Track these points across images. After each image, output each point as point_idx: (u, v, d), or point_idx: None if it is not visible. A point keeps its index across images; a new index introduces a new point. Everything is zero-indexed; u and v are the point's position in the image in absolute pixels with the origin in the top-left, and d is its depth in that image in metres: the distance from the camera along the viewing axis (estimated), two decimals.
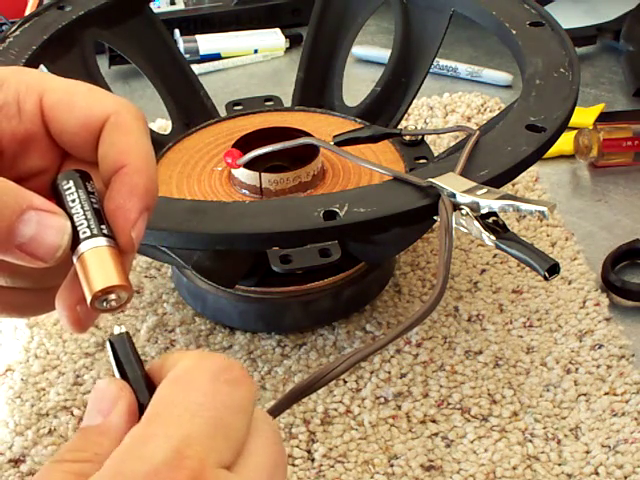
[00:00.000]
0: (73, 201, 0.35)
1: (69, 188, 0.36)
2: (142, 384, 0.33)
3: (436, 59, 0.77)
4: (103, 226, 0.35)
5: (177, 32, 1.02)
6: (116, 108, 0.37)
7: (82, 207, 0.35)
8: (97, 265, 0.34)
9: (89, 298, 0.33)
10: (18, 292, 0.38)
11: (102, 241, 0.34)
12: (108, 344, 0.34)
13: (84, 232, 0.34)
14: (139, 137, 0.37)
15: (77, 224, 0.35)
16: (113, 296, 0.34)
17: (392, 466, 0.56)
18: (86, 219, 0.35)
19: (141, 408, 0.32)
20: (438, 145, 0.82)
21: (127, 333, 0.34)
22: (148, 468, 0.29)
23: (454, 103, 0.90)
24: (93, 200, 0.36)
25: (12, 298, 0.38)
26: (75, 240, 0.34)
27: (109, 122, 0.37)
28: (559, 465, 0.56)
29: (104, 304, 0.34)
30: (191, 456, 0.29)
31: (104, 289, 0.33)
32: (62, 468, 0.31)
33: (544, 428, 0.58)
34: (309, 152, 0.66)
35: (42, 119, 0.37)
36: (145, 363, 0.33)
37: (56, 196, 0.36)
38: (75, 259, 0.34)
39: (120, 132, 0.36)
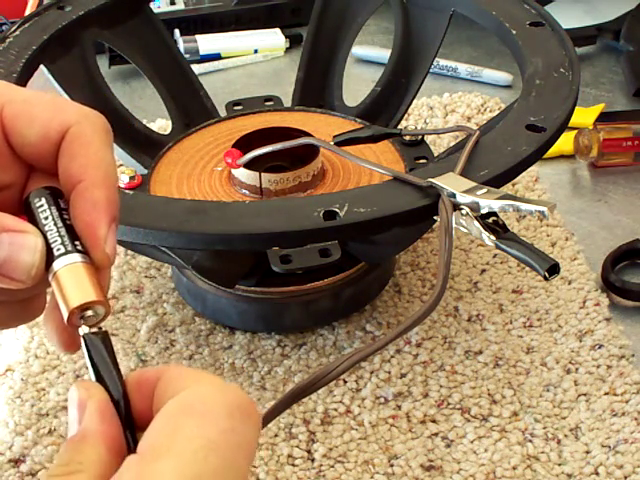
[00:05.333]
0: (46, 218, 0.35)
1: (41, 206, 0.35)
2: (115, 379, 0.32)
3: (436, 59, 0.77)
4: (77, 242, 0.35)
5: (177, 32, 1.02)
6: (77, 119, 0.36)
7: (55, 224, 0.35)
8: (72, 282, 0.34)
9: (66, 315, 0.33)
10: None
11: (77, 257, 0.34)
12: (82, 341, 0.33)
13: (58, 249, 0.34)
14: (99, 149, 0.36)
15: (50, 241, 0.34)
16: (90, 312, 0.33)
17: (392, 466, 0.56)
18: (59, 236, 0.34)
19: (116, 403, 0.32)
20: (438, 145, 0.82)
21: (105, 332, 0.33)
22: None
23: (454, 103, 0.90)
24: (65, 217, 0.35)
25: None
26: (50, 258, 0.34)
27: (69, 134, 0.36)
28: (559, 465, 0.56)
29: (81, 321, 0.33)
30: None
31: (80, 306, 0.33)
32: None
33: (544, 428, 0.58)
34: (309, 152, 0.66)
35: (3, 132, 0.36)
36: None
37: (29, 214, 0.36)
38: (51, 277, 0.34)
39: (79, 144, 0.35)
